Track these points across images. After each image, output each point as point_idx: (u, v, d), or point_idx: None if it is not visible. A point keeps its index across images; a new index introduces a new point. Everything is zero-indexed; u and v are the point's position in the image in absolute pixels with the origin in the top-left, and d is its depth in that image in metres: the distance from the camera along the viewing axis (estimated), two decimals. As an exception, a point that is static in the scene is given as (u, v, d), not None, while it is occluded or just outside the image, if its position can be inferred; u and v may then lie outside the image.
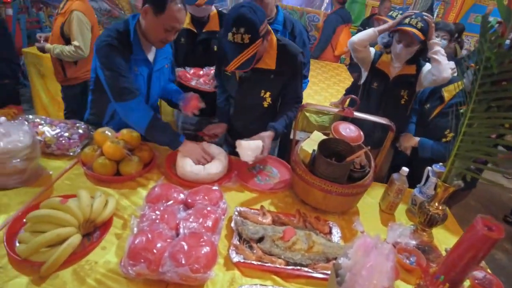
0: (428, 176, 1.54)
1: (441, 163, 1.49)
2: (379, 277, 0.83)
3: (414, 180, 1.62)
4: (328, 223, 1.39)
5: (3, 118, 1.33)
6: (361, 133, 1.56)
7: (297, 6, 6.27)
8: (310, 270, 1.15)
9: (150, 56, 1.67)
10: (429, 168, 1.53)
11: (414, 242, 1.21)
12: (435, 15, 5.82)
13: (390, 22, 2.04)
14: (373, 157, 1.57)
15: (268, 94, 1.71)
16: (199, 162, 1.58)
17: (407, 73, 2.07)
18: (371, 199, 1.66)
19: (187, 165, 1.54)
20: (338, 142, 1.48)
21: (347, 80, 3.88)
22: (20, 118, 1.62)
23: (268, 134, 1.65)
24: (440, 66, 1.90)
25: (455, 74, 2.09)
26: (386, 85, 2.11)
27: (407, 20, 1.93)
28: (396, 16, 2.39)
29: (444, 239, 1.47)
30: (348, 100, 1.64)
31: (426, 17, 1.91)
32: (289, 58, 1.64)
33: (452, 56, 3.73)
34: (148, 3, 1.46)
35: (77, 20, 2.65)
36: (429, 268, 1.12)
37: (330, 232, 1.36)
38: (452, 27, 3.40)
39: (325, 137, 1.56)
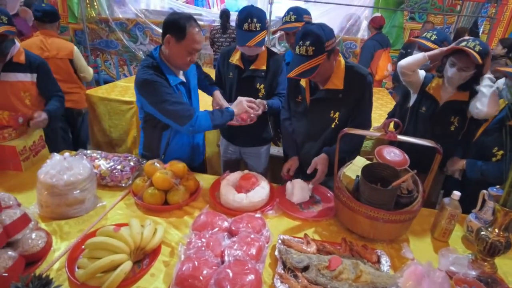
0: (484, 200, 1.44)
1: (498, 186, 1.39)
2: (434, 308, 0.78)
3: (468, 204, 1.51)
4: (376, 252, 1.33)
5: (67, 154, 1.47)
6: (406, 157, 1.51)
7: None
8: (359, 301, 1.09)
9: (182, 78, 1.82)
10: (484, 191, 1.43)
11: (474, 273, 1.13)
12: (480, 31, 5.60)
13: (438, 49, 1.99)
14: (420, 182, 1.50)
15: (337, 114, 1.74)
16: (245, 115, 1.85)
17: (458, 99, 1.96)
18: (421, 226, 1.57)
19: (230, 194, 1.57)
20: (382, 166, 1.44)
21: (389, 104, 3.79)
22: (79, 153, 1.77)
23: (321, 159, 1.73)
24: (485, 100, 1.80)
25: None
26: (435, 110, 2.02)
27: (463, 44, 1.85)
28: (431, 36, 2.38)
29: (511, 270, 1.34)
30: (391, 124, 1.61)
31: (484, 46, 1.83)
32: (357, 78, 1.68)
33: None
34: (170, 33, 1.61)
35: None
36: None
37: (378, 261, 1.30)
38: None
39: (368, 162, 1.52)
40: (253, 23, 1.90)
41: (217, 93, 2.09)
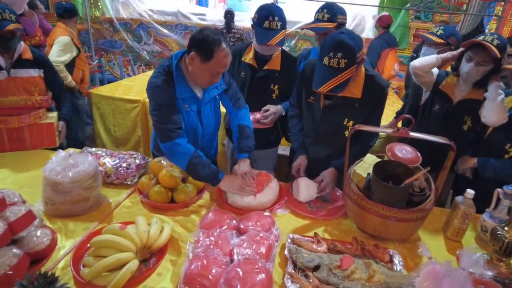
0: (498, 199, 1.40)
1: (514, 184, 1.35)
2: (456, 309, 0.74)
3: (480, 203, 1.47)
4: (388, 251, 1.30)
5: (72, 151, 1.45)
6: (419, 154, 1.47)
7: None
8: (372, 302, 1.06)
9: (199, 91, 1.67)
10: (499, 190, 1.40)
11: (490, 273, 1.09)
12: (486, 30, 5.54)
13: (450, 52, 1.95)
14: (433, 180, 1.46)
15: (351, 123, 1.69)
16: (242, 192, 1.55)
17: (473, 98, 1.88)
18: (433, 225, 1.53)
19: (237, 195, 1.54)
20: (394, 164, 1.41)
21: (395, 103, 3.75)
22: (84, 151, 1.75)
23: (329, 172, 1.68)
24: (493, 108, 1.74)
25: None
26: (448, 108, 1.96)
27: (481, 38, 1.78)
28: (437, 31, 2.36)
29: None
30: (401, 122, 1.58)
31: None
32: (376, 89, 1.62)
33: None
34: (195, 51, 1.45)
35: None
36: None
37: (391, 261, 1.26)
38: None
39: (379, 159, 1.49)
40: (274, 22, 1.84)
41: (245, 163, 1.71)
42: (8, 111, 1.97)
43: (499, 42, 1.72)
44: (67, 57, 3.20)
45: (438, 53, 2.43)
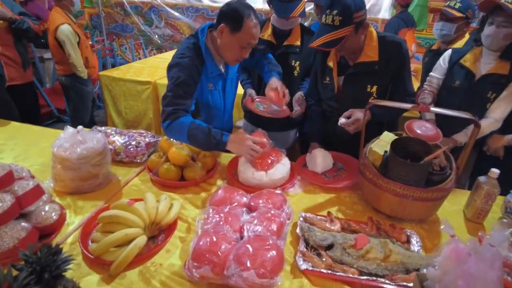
0: (525, 179, 1.32)
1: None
2: (483, 288, 0.68)
3: (505, 185, 1.39)
4: (405, 231, 1.24)
5: (80, 127, 1.43)
6: (439, 131, 1.39)
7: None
8: (388, 282, 1.01)
9: (222, 67, 1.65)
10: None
11: (515, 255, 1.02)
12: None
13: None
14: (454, 159, 1.38)
15: (375, 88, 1.62)
16: (251, 157, 1.45)
17: (498, 73, 1.75)
18: (453, 207, 1.46)
19: (248, 171, 1.50)
20: (413, 141, 1.33)
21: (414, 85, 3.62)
22: (93, 128, 1.73)
23: (361, 110, 1.54)
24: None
25: None
26: (470, 84, 1.83)
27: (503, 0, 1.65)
28: (455, 4, 2.29)
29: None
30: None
31: None
32: (393, 47, 1.57)
33: None
34: (224, 22, 1.43)
35: None
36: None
37: (408, 241, 1.21)
38: None
39: (396, 137, 1.42)
40: None
41: (274, 80, 1.69)
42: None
43: None
44: (78, 54, 3.15)
45: (457, 28, 2.32)
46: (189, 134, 1.42)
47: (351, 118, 1.55)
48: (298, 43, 1.98)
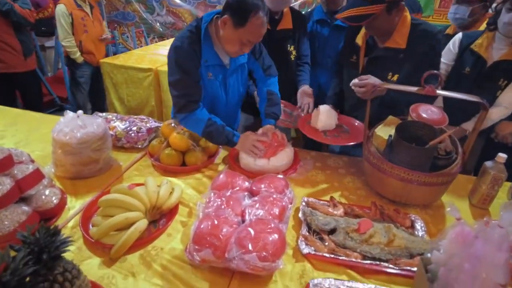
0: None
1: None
2: (490, 271, 0.67)
3: (510, 172, 1.36)
4: (409, 216, 1.22)
5: (80, 112, 1.41)
6: (445, 114, 1.36)
7: None
8: (391, 266, 1.00)
9: (225, 58, 1.54)
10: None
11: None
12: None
13: None
14: (460, 144, 1.36)
15: (395, 77, 1.54)
16: (254, 154, 1.46)
17: (510, 59, 1.68)
18: (458, 192, 1.44)
19: (250, 158, 1.48)
20: (419, 125, 1.30)
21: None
22: (94, 114, 1.71)
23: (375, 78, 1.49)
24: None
25: None
26: (481, 71, 1.76)
27: None
28: None
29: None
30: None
31: None
32: (424, 36, 1.46)
33: None
34: (229, 13, 1.32)
35: None
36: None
37: (412, 226, 1.19)
38: None
39: (400, 121, 1.39)
40: None
41: (270, 127, 1.58)
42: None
43: None
44: (66, 34, 3.17)
45: (472, 11, 2.18)
46: (205, 131, 1.46)
47: (364, 80, 1.45)
48: (291, 26, 1.96)
